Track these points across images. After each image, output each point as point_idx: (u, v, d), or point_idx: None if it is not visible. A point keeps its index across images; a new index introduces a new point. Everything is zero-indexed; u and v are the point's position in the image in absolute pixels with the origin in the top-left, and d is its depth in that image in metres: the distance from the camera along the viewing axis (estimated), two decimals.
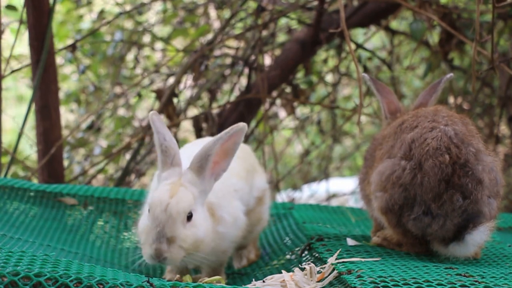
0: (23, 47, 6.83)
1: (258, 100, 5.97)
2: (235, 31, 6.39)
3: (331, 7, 5.92)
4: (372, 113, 6.43)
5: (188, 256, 2.97)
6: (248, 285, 2.82)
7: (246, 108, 5.99)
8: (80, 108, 7.28)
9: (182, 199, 2.92)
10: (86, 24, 7.03)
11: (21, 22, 5.22)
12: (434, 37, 6.26)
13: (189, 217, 2.94)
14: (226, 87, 6.67)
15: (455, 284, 2.55)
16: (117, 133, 6.82)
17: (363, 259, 2.96)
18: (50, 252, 2.78)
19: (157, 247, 2.88)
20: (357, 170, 6.50)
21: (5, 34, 5.35)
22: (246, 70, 6.18)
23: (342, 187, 8.18)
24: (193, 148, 3.28)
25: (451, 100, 6.61)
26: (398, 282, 2.55)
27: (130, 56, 7.09)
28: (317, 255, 3.24)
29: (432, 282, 2.55)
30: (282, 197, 7.72)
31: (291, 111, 6.51)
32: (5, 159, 5.50)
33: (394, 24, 7.15)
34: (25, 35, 5.18)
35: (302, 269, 2.83)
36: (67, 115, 7.49)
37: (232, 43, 6.63)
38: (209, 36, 6.37)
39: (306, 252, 3.43)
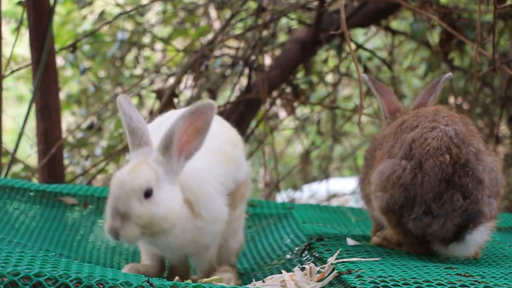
0: (23, 47, 6.84)
1: (258, 100, 5.97)
2: (235, 31, 6.40)
3: (331, 7, 5.92)
4: (372, 113, 6.43)
5: (151, 237, 2.90)
6: (248, 285, 2.82)
7: (246, 108, 6.00)
8: (80, 109, 7.29)
9: (139, 175, 2.85)
10: (86, 25, 7.04)
11: (21, 22, 5.22)
12: (434, 37, 6.26)
13: (148, 194, 2.85)
14: (226, 87, 6.67)
15: (455, 284, 2.54)
16: (117, 133, 6.82)
17: (363, 259, 2.96)
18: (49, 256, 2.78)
19: (110, 223, 2.83)
20: (357, 170, 6.51)
21: (5, 34, 5.35)
22: (246, 70, 6.19)
23: (342, 187, 8.18)
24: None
25: (451, 100, 6.61)
26: (398, 282, 2.55)
27: (130, 57, 7.09)
28: (317, 255, 3.24)
29: (432, 282, 2.55)
30: (282, 197, 7.72)
31: (291, 111, 6.52)
32: (6, 159, 5.50)
33: (394, 24, 7.15)
34: (25, 35, 5.19)
35: (302, 269, 2.83)
36: (68, 117, 7.49)
37: (232, 43, 6.64)
38: (209, 36, 6.38)
39: (306, 252, 3.43)
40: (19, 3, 5.17)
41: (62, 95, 6.54)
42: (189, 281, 2.89)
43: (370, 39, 7.00)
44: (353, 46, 5.90)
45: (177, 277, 3.04)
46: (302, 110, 7.73)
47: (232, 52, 6.49)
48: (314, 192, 8.25)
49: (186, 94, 6.56)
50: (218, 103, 6.37)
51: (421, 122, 3.16)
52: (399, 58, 7.52)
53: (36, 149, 5.23)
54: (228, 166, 3.23)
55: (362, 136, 7.77)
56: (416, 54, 6.62)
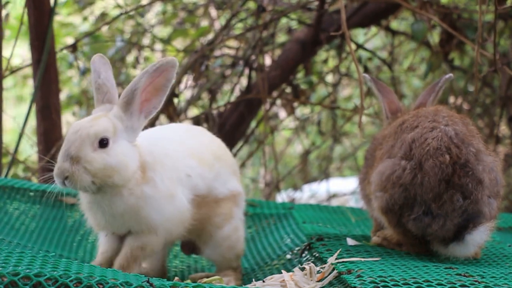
0: (23, 47, 6.84)
1: (258, 100, 5.97)
2: (235, 31, 6.40)
3: (331, 7, 5.92)
4: (373, 113, 6.43)
5: (98, 190, 2.87)
6: (248, 285, 2.82)
7: (246, 108, 6.00)
8: (81, 109, 7.29)
9: (97, 123, 2.87)
10: (86, 26, 7.03)
11: (21, 22, 5.22)
12: (434, 37, 6.26)
13: (104, 144, 2.86)
14: (227, 87, 6.67)
15: (455, 284, 2.55)
16: None
17: (363, 259, 2.96)
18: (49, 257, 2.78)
19: (59, 165, 2.82)
20: (358, 170, 6.51)
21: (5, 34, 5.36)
22: (247, 70, 6.19)
23: (342, 187, 8.18)
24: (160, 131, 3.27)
25: (451, 100, 6.61)
26: (398, 282, 2.55)
27: (130, 57, 7.09)
28: (317, 255, 3.24)
29: (432, 282, 2.55)
30: (282, 197, 7.72)
31: (291, 111, 6.51)
32: (6, 159, 5.50)
33: (394, 24, 7.15)
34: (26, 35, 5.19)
35: (302, 269, 2.83)
36: (68, 117, 7.49)
37: (233, 43, 6.64)
38: (210, 36, 6.38)
39: (306, 252, 3.43)
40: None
41: (62, 96, 6.53)
42: (188, 281, 2.89)
43: (370, 39, 6.99)
44: (353, 46, 5.90)
45: (176, 277, 3.04)
46: (302, 110, 7.73)
47: (232, 52, 6.49)
48: (314, 192, 8.25)
49: (186, 94, 6.56)
50: (218, 104, 6.37)
51: (421, 122, 3.16)
52: (400, 58, 7.52)
53: (36, 149, 5.23)
54: (201, 166, 3.19)
55: (363, 136, 7.75)
56: (416, 54, 6.62)
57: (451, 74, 3.53)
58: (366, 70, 6.46)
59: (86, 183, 2.84)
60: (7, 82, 7.17)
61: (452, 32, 4.85)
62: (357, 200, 7.54)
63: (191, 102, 6.20)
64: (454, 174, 3.02)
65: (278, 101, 6.80)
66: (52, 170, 2.87)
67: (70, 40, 7.09)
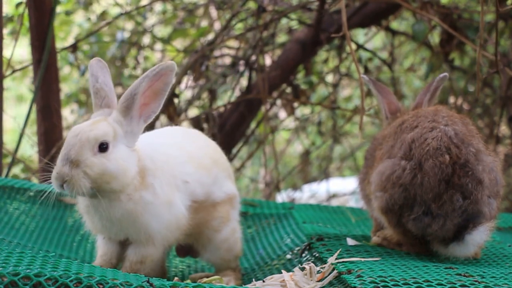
0: (23, 47, 6.84)
1: (258, 100, 5.97)
2: (235, 31, 6.40)
3: (331, 8, 5.92)
4: (373, 113, 6.43)
5: (97, 194, 2.84)
6: (248, 285, 2.82)
7: (246, 108, 6.00)
8: (80, 109, 7.29)
9: (96, 128, 2.85)
10: (85, 24, 7.03)
11: (22, 22, 5.23)
12: (434, 38, 6.27)
13: (104, 148, 2.85)
14: (227, 87, 6.67)
15: (455, 284, 2.55)
16: None
17: (363, 259, 2.96)
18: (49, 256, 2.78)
19: (58, 169, 2.80)
20: (358, 170, 6.51)
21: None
22: (247, 71, 6.19)
23: (342, 187, 8.18)
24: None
25: (451, 100, 6.61)
26: (398, 282, 2.55)
27: (130, 57, 7.09)
28: (317, 255, 3.24)
29: (432, 282, 2.55)
30: (282, 197, 7.72)
31: (291, 112, 6.51)
32: (6, 160, 5.50)
33: (395, 24, 7.15)
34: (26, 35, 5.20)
35: (302, 269, 2.83)
36: (67, 115, 7.49)
37: (233, 43, 6.64)
38: (210, 37, 6.38)
39: (306, 252, 3.43)
40: (18, 5, 5.19)
41: (61, 94, 6.52)
42: (188, 281, 2.89)
43: (371, 39, 6.99)
44: (353, 46, 5.90)
45: (176, 278, 3.04)
46: (302, 111, 7.73)
47: (232, 52, 6.49)
48: (314, 192, 8.25)
49: (187, 94, 6.56)
50: (218, 104, 6.37)
51: (421, 122, 3.16)
52: (400, 58, 7.52)
53: (37, 149, 5.23)
54: (199, 171, 3.18)
55: (363, 137, 7.75)
56: (416, 55, 6.62)
57: (446, 74, 3.52)
58: (366, 70, 6.46)
59: (85, 187, 2.82)
60: (7, 82, 7.17)
61: (453, 33, 4.85)
62: (357, 200, 7.54)
63: (191, 102, 6.20)
64: (454, 174, 3.02)
65: (278, 101, 6.80)
66: (51, 171, 2.86)
67: (70, 37, 7.09)
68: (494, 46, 3.85)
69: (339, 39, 6.17)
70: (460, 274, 2.71)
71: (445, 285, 2.53)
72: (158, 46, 7.07)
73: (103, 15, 6.63)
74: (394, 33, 6.69)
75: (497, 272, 2.82)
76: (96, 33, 6.46)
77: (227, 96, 6.46)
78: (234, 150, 6.37)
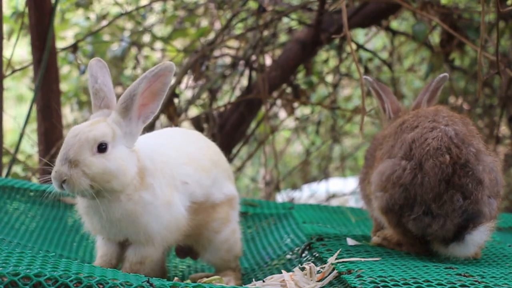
0: (23, 47, 6.84)
1: (258, 100, 5.97)
2: (236, 31, 6.40)
3: (331, 8, 5.92)
4: (373, 113, 6.44)
5: (97, 194, 2.84)
6: (248, 285, 2.82)
7: (246, 108, 6.00)
8: (79, 107, 7.29)
9: (96, 128, 2.86)
10: (85, 23, 7.03)
11: (22, 22, 5.23)
12: (435, 38, 6.27)
13: (103, 148, 2.85)
14: (227, 87, 6.67)
15: (455, 284, 2.55)
16: None
17: (363, 259, 2.96)
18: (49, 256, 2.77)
19: (57, 169, 2.81)
20: (358, 170, 6.51)
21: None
22: (247, 71, 6.19)
23: (342, 187, 8.18)
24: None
25: (451, 100, 6.61)
26: (398, 282, 2.55)
27: (130, 57, 7.09)
28: (317, 255, 3.24)
29: (432, 282, 2.55)
30: (282, 197, 7.72)
31: (292, 112, 6.52)
32: (6, 159, 5.50)
33: (395, 24, 7.15)
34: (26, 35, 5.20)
35: (302, 269, 2.83)
36: (68, 116, 7.49)
37: (233, 43, 6.64)
38: (210, 36, 6.38)
39: (306, 252, 3.43)
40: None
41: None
42: (188, 281, 2.89)
43: (371, 39, 7.00)
44: (354, 46, 5.90)
45: (176, 278, 3.04)
46: (302, 111, 7.73)
47: (232, 52, 6.50)
48: (314, 192, 8.25)
49: (187, 94, 6.56)
50: (218, 104, 6.37)
51: (421, 122, 3.16)
52: (400, 58, 7.52)
53: (37, 149, 5.23)
54: (199, 172, 3.17)
55: (363, 138, 7.75)
56: (416, 55, 6.62)
57: (446, 74, 3.52)
58: (366, 70, 6.46)
59: (84, 187, 2.82)
60: (7, 82, 7.17)
61: (453, 33, 4.85)
62: (357, 200, 7.54)
63: (192, 102, 6.20)
64: (454, 174, 3.02)
65: (278, 101, 6.80)
66: (51, 171, 2.86)
67: (69, 35, 7.09)
68: (494, 47, 3.85)
69: (339, 39, 6.17)
70: (460, 274, 2.71)
71: (445, 285, 2.53)
72: (158, 45, 7.07)
73: (105, 16, 6.63)
74: (394, 33, 6.69)
75: (497, 272, 2.82)
76: (96, 33, 6.45)
77: (227, 96, 6.46)
78: (234, 150, 6.37)
